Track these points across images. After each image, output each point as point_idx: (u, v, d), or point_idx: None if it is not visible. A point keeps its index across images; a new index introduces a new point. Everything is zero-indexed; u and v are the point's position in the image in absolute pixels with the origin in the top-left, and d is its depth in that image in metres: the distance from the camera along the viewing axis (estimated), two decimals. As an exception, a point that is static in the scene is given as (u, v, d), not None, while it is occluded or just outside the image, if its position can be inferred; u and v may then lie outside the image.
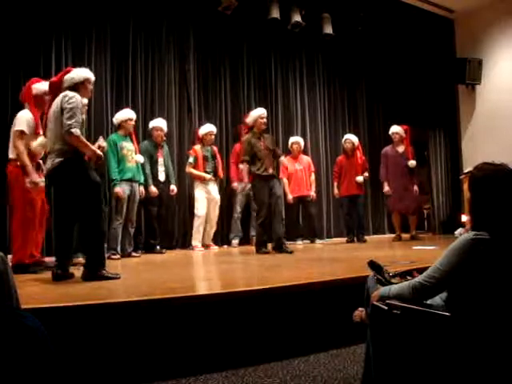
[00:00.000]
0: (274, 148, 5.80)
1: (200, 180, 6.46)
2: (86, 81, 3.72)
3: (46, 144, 4.04)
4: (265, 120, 5.75)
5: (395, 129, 7.21)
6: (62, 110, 3.49)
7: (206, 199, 6.47)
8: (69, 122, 3.43)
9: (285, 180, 7.06)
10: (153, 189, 5.93)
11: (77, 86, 3.63)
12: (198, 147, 6.56)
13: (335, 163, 7.55)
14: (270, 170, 5.64)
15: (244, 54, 7.66)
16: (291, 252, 5.49)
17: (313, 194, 7.23)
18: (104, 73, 6.25)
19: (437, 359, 1.64)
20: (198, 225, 6.46)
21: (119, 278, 3.49)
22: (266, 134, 5.88)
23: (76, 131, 3.44)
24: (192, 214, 6.57)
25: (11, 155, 4.21)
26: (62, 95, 3.54)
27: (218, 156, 6.71)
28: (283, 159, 6.07)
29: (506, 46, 7.93)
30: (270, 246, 5.74)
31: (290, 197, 7.08)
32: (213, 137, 6.59)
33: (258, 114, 5.75)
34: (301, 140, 7.44)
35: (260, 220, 5.59)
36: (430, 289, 1.73)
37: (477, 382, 1.57)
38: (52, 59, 5.83)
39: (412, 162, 6.99)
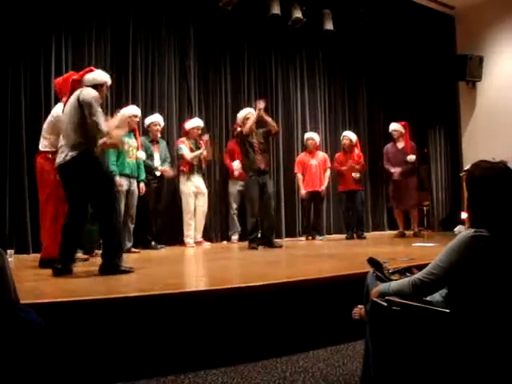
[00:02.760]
0: (266, 140, 5.86)
1: (189, 168, 6.33)
2: (104, 84, 3.78)
3: None
4: (250, 117, 5.76)
5: (394, 126, 7.28)
6: (79, 104, 3.50)
7: (193, 193, 6.37)
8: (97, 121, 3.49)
9: (299, 175, 7.13)
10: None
11: (96, 87, 3.67)
12: (184, 139, 6.45)
13: (334, 159, 7.55)
14: (262, 166, 5.75)
15: (244, 50, 7.63)
16: (281, 246, 5.80)
17: (323, 188, 7.16)
18: (104, 68, 6.16)
19: (436, 356, 1.64)
20: (187, 220, 6.35)
21: (134, 271, 3.55)
22: (257, 129, 5.88)
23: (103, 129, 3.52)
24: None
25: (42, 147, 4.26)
26: (79, 90, 3.58)
27: (203, 146, 6.42)
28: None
29: (507, 42, 7.91)
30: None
31: (302, 191, 7.10)
32: (199, 131, 6.48)
33: (243, 115, 5.90)
34: (315, 136, 7.37)
35: (252, 218, 5.74)
36: (429, 285, 1.73)
37: (476, 379, 1.57)
38: (52, 55, 5.80)
39: (411, 157, 7.01)
